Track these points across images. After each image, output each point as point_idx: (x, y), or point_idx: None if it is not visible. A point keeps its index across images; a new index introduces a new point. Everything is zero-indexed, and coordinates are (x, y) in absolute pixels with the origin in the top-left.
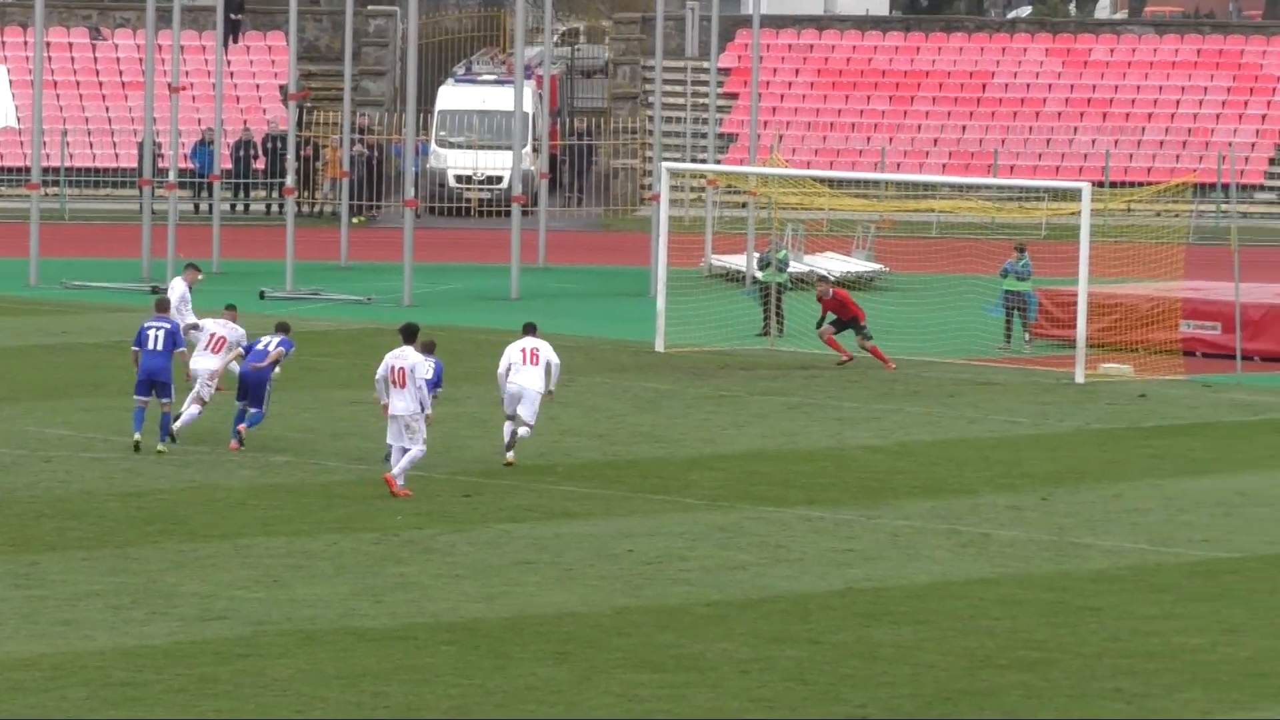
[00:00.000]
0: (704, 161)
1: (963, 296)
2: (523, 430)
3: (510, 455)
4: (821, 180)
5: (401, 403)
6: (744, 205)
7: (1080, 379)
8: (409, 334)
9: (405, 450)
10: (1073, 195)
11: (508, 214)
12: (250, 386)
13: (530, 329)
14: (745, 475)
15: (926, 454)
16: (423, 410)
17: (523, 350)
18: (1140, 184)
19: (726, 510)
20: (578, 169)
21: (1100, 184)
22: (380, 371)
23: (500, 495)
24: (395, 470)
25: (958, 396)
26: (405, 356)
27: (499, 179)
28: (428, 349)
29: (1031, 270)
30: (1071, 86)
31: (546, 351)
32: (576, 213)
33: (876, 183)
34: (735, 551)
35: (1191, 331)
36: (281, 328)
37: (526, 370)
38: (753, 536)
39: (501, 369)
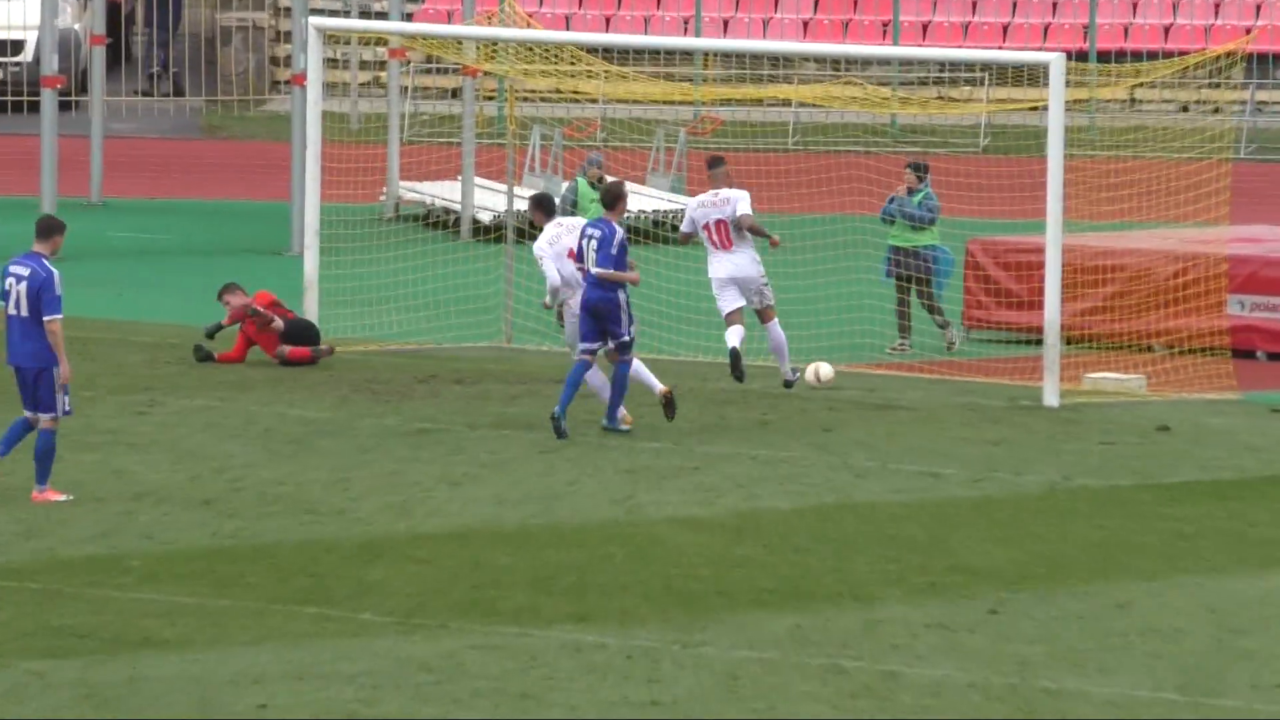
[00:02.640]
0: (383, 16)
1: (847, 255)
2: None
3: None
4: (592, 50)
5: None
6: (454, 93)
7: (1053, 399)
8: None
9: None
10: (1034, 76)
11: (34, 109)
12: None
13: None
14: (468, 570)
15: (784, 531)
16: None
17: None
18: (1154, 56)
19: (434, 634)
20: (160, 29)
21: (1082, 56)
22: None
23: (33, 604)
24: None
25: (838, 431)
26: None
27: (17, 46)
28: None
29: (938, 208)
30: None
31: None
32: (161, 106)
33: (688, 54)
34: (449, 708)
35: (1245, 316)
36: None
37: None
38: (481, 681)
39: None
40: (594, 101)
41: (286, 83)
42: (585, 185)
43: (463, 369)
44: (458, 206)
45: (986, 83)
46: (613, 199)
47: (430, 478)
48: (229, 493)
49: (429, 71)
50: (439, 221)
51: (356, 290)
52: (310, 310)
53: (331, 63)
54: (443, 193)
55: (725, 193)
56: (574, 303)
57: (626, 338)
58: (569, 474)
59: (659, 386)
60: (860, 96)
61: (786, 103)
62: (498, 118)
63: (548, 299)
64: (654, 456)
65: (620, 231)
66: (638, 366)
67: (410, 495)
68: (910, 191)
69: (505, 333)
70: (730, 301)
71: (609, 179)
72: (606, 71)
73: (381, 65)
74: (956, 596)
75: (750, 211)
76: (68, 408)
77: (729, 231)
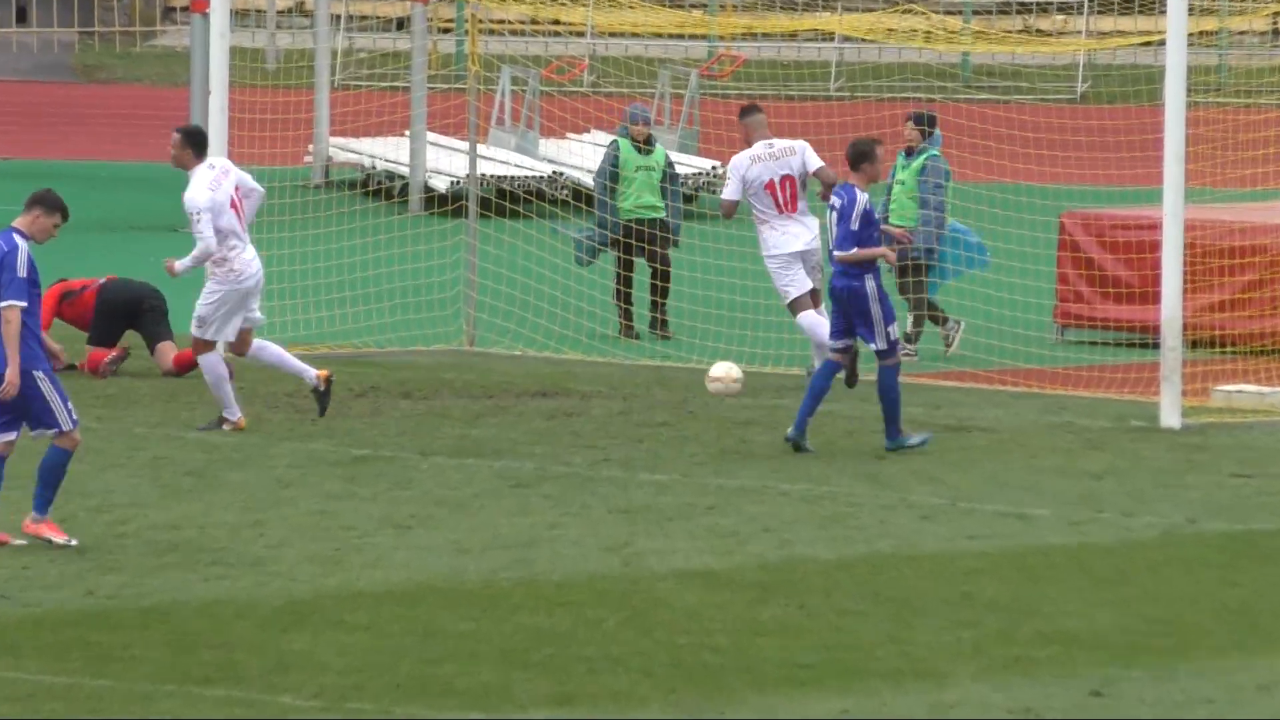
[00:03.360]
0: None
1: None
2: None
3: None
4: None
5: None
6: (400, 24)
7: (1173, 419)
8: None
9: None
10: (1147, 2)
11: None
12: None
13: None
14: (418, 640)
15: (826, 588)
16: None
17: None
18: None
19: None
20: None
21: None
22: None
23: None
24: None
25: (896, 460)
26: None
27: None
28: None
29: (947, 171)
30: None
31: None
32: (21, 41)
33: None
34: None
35: None
36: None
37: None
38: None
39: None
40: (580, 35)
41: (183, 10)
42: (629, 147)
43: (412, 379)
44: (405, 170)
45: (1086, 11)
46: (857, 156)
47: (370, 520)
48: (110, 539)
49: None
50: (381, 190)
51: (274, 279)
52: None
53: None
54: (386, 153)
55: (782, 142)
56: (237, 262)
57: (880, 345)
58: (549, 515)
59: (311, 373)
60: (923, 29)
61: (828, 36)
62: (456, 56)
63: (182, 263)
64: (656, 492)
65: (863, 199)
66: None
67: (344, 542)
68: (910, 153)
69: (467, 333)
70: (801, 284)
71: (863, 138)
72: None
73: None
74: (1049, 674)
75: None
76: (73, 415)
77: (797, 190)
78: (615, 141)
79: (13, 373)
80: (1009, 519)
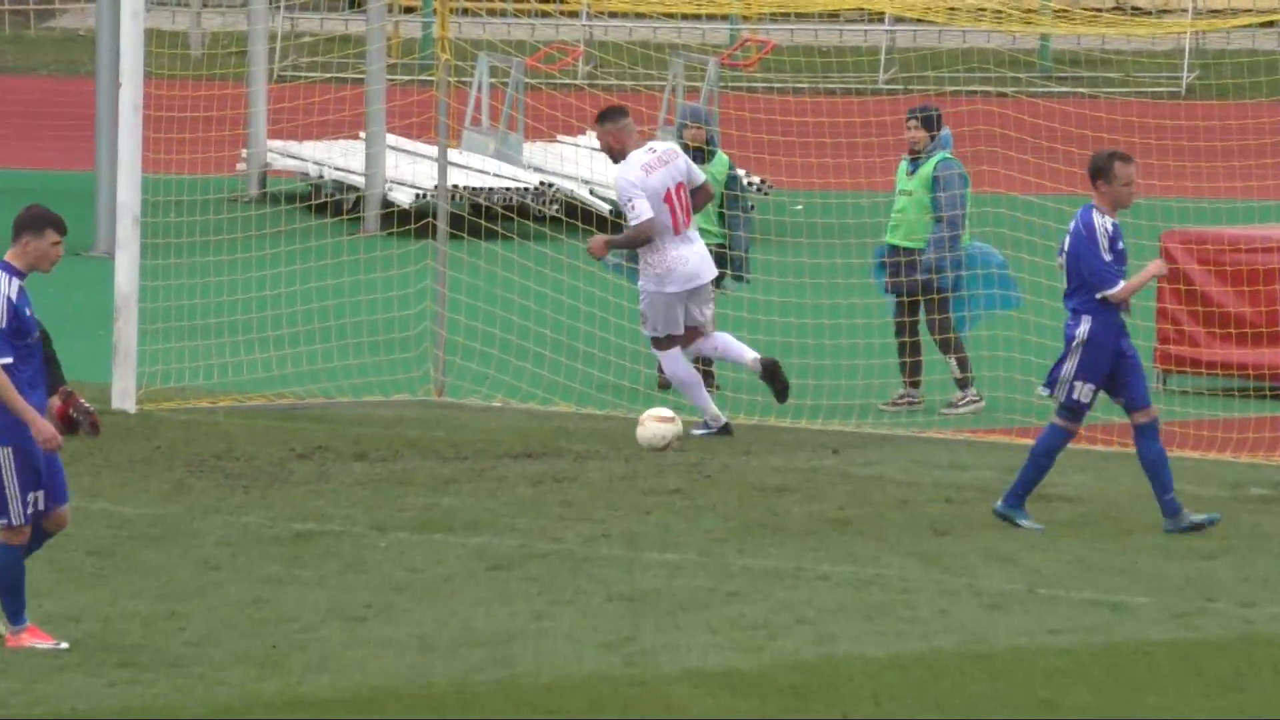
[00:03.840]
0: None
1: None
2: None
3: None
4: None
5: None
6: (353, 2)
7: None
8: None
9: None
10: None
11: None
12: None
13: None
14: None
15: (875, 693)
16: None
17: None
18: None
19: None
20: None
21: None
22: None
23: None
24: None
25: (960, 535)
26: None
27: None
28: None
29: (963, 176)
30: None
31: None
32: None
33: None
34: None
35: None
36: None
37: None
38: None
39: None
40: (573, 16)
41: None
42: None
43: (368, 437)
44: (359, 181)
45: None
46: (1095, 171)
47: (315, 610)
48: None
49: None
50: (330, 204)
51: (200, 312)
52: (125, 343)
53: None
54: (336, 159)
55: (660, 145)
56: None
57: (1060, 397)
58: (535, 603)
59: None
60: (993, 7)
61: (877, 17)
62: (422, 42)
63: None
64: (667, 574)
65: (1102, 222)
66: None
67: (283, 638)
68: (915, 157)
69: (435, 380)
70: (680, 323)
71: (1103, 150)
72: None
73: None
74: None
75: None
76: (27, 508)
77: (688, 200)
78: None
79: (42, 425)
80: (1099, 609)
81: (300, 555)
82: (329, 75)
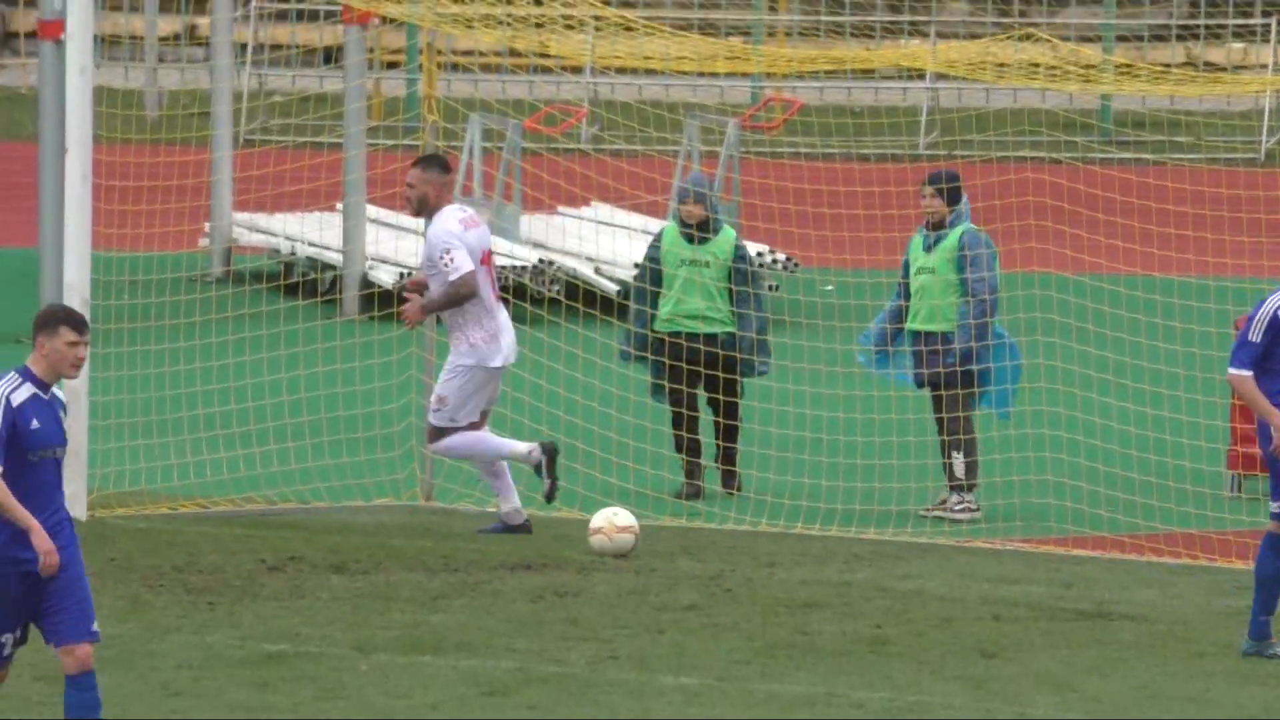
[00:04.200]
0: None
1: (1028, 340)
2: None
3: None
4: None
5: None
6: (329, 57)
7: None
8: None
9: None
10: None
11: None
12: None
13: None
14: None
15: None
16: None
17: None
18: None
19: None
20: None
21: None
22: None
23: None
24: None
25: (1010, 658)
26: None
27: None
28: None
29: (991, 254)
30: None
31: None
32: None
33: None
34: None
35: None
36: None
37: None
38: None
39: None
40: (576, 72)
41: (28, 36)
42: (674, 234)
43: (346, 547)
44: (337, 258)
45: (1275, 37)
46: None
47: None
48: None
49: (284, 17)
50: (304, 284)
51: (157, 405)
52: (73, 442)
53: (115, 0)
54: (310, 233)
55: (467, 207)
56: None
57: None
58: None
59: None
60: (1047, 63)
61: (917, 75)
62: (407, 101)
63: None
64: (683, 701)
65: (1265, 311)
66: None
67: None
68: (934, 227)
69: (422, 482)
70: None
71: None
72: (600, 19)
73: (198, 5)
74: None
75: None
76: (5, 650)
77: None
78: (661, 231)
79: (40, 539)
80: None
81: (271, 680)
82: (302, 139)
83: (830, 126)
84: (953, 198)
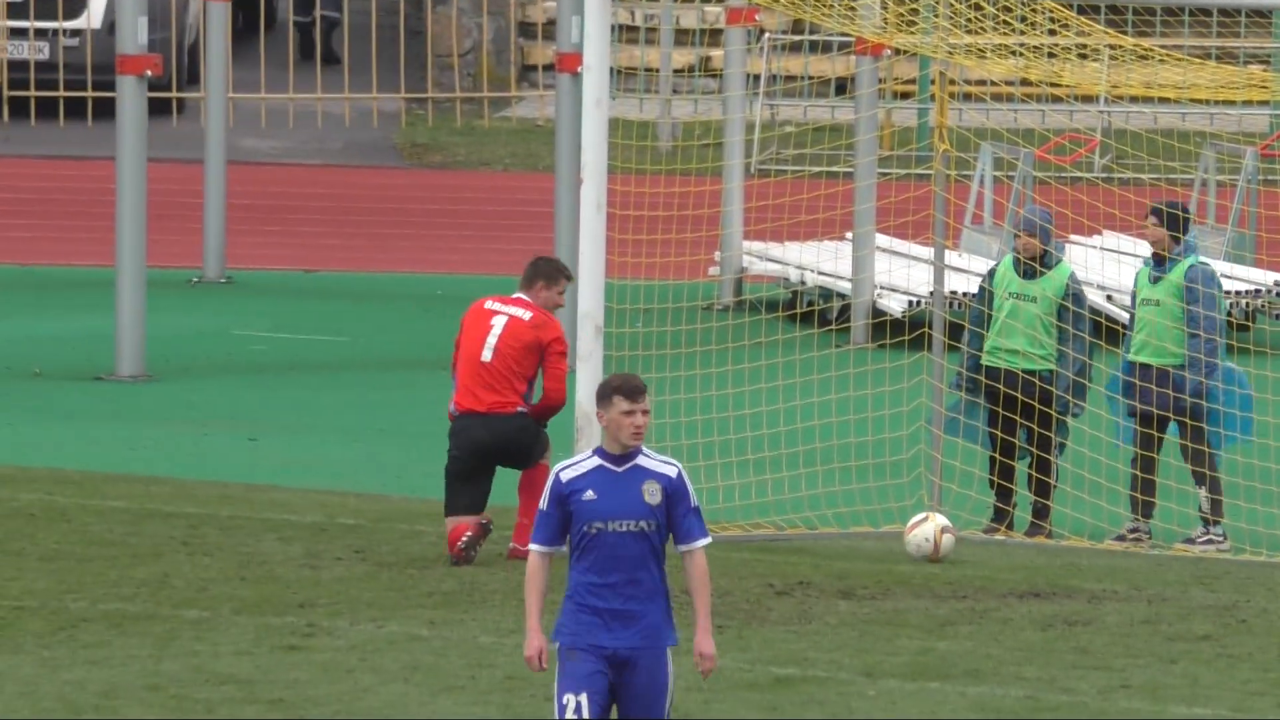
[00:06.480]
0: None
1: None
2: None
3: None
4: (1092, 8)
5: None
6: (840, 88)
7: None
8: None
9: None
10: None
11: (105, 113)
12: None
13: None
14: None
15: None
16: None
17: None
18: None
19: None
20: None
21: None
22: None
23: None
24: None
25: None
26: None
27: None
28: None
29: (1219, 285)
30: None
31: None
32: (331, 111)
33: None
34: None
35: None
36: None
37: None
38: None
39: None
40: (1089, 101)
41: (546, 69)
42: (1009, 265)
43: (854, 572)
44: (846, 287)
45: None
46: None
47: None
48: None
49: (796, 49)
50: (814, 312)
51: (671, 433)
52: None
53: (631, 33)
54: (819, 262)
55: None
56: None
57: None
58: None
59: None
60: None
61: None
62: (919, 131)
63: None
64: None
65: None
66: None
67: None
68: (1160, 262)
69: (930, 510)
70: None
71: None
72: (1116, 48)
73: (712, 37)
74: None
75: None
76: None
77: None
78: (1005, 256)
79: None
80: None
81: (780, 704)
82: (814, 169)
83: None
84: (1177, 228)
